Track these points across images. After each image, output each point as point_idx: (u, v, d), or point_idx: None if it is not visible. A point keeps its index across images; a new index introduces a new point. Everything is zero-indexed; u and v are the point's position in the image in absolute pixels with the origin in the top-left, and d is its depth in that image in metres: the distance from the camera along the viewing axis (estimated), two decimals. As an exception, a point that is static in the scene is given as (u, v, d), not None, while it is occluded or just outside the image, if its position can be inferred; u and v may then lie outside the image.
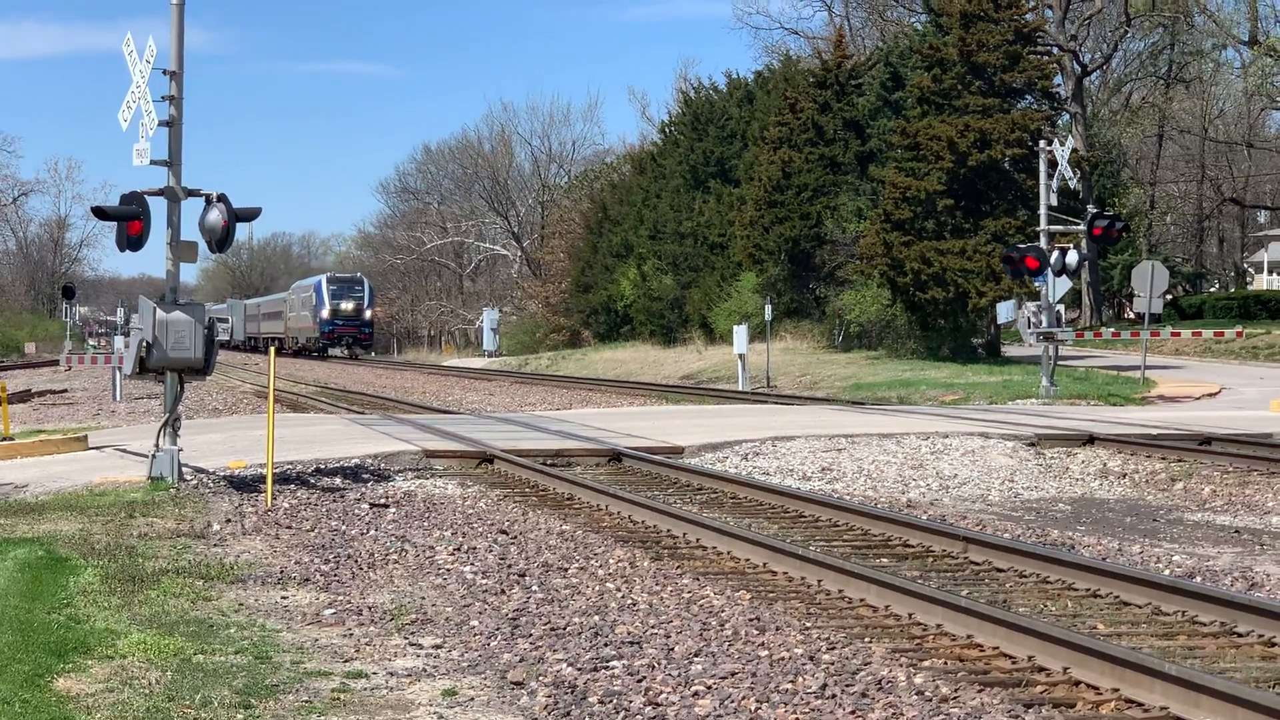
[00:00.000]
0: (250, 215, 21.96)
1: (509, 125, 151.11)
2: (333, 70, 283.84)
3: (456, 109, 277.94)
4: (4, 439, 28.41)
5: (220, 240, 21.70)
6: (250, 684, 10.53)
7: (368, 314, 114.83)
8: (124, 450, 26.42)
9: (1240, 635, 11.98)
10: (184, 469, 22.01)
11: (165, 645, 11.54)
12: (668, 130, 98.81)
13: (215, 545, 16.96)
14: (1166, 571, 15.33)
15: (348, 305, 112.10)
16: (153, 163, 21.48)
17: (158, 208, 21.63)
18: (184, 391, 22.36)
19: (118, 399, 47.38)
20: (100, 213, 22.72)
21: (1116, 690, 10.17)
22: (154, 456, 21.95)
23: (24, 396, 50.24)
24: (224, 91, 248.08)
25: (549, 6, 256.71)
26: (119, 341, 48.50)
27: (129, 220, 21.54)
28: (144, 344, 21.44)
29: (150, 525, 18.28)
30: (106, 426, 35.12)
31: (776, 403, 43.50)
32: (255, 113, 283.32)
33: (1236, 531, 18.71)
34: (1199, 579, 14.79)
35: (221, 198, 21.49)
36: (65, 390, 57.16)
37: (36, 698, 10.02)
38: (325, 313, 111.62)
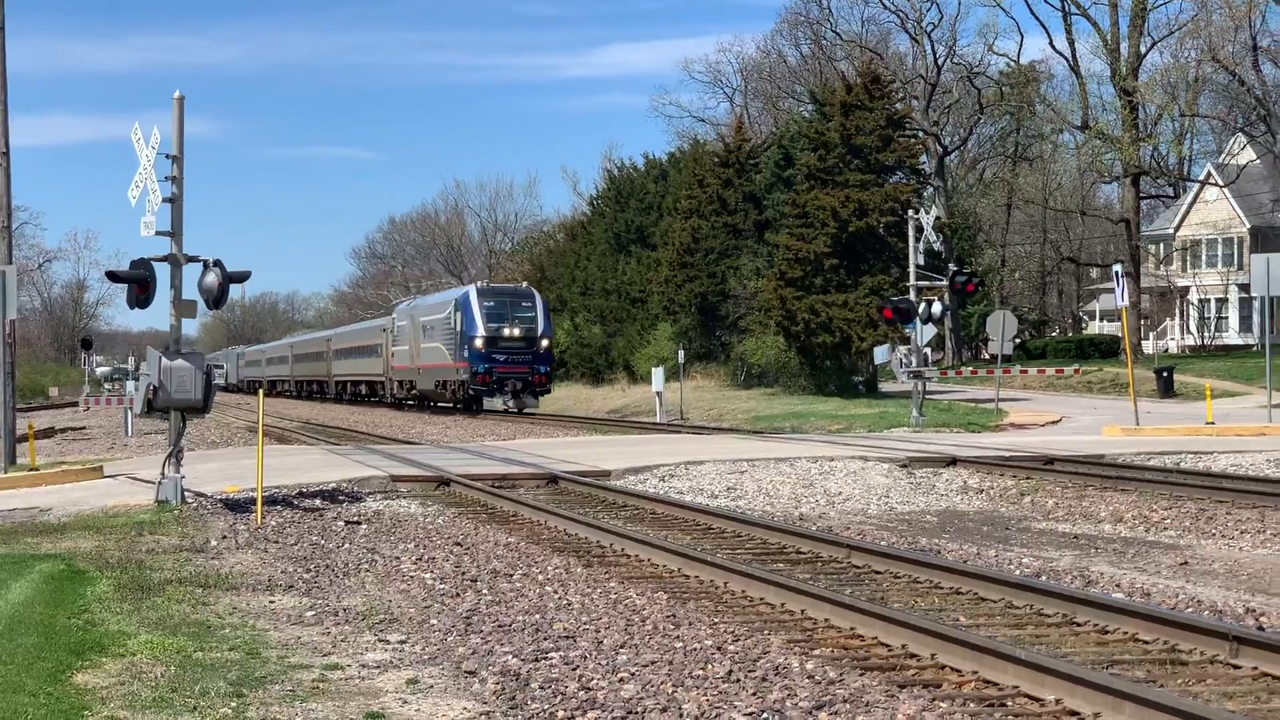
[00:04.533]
0: (242, 277, 21.91)
1: (461, 200, 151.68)
2: (313, 154, 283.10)
3: (417, 186, 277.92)
4: (31, 469, 28.12)
5: (216, 299, 21.66)
6: (242, 676, 10.45)
7: (544, 344, 63.28)
8: (134, 478, 26.19)
9: (1079, 624, 12.04)
10: (186, 493, 21.83)
11: (169, 644, 11.45)
12: (595, 203, 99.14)
13: (213, 558, 16.84)
14: (1017, 572, 15.40)
15: (514, 330, 61.39)
16: (158, 233, 21.39)
17: (162, 271, 21.56)
18: (186, 427, 22.22)
19: (129, 435, 47.01)
20: (113, 276, 22.62)
21: (976, 672, 10.21)
22: (160, 483, 21.78)
23: (48, 433, 49.76)
24: (222, 171, 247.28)
25: (495, 99, 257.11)
26: (129, 385, 48.10)
27: (138, 283, 21.46)
28: (151, 387, 21.33)
29: (157, 542, 18.14)
30: (119, 458, 34.82)
31: (689, 433, 43.52)
32: (248, 189, 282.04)
33: (1075, 537, 18.82)
34: (1044, 578, 14.87)
35: (217, 263, 21.44)
36: (84, 427, 56.68)
37: (58, 690, 9.93)
38: (478, 341, 60.89)
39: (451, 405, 66.52)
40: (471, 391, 62.12)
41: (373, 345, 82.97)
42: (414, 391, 71.93)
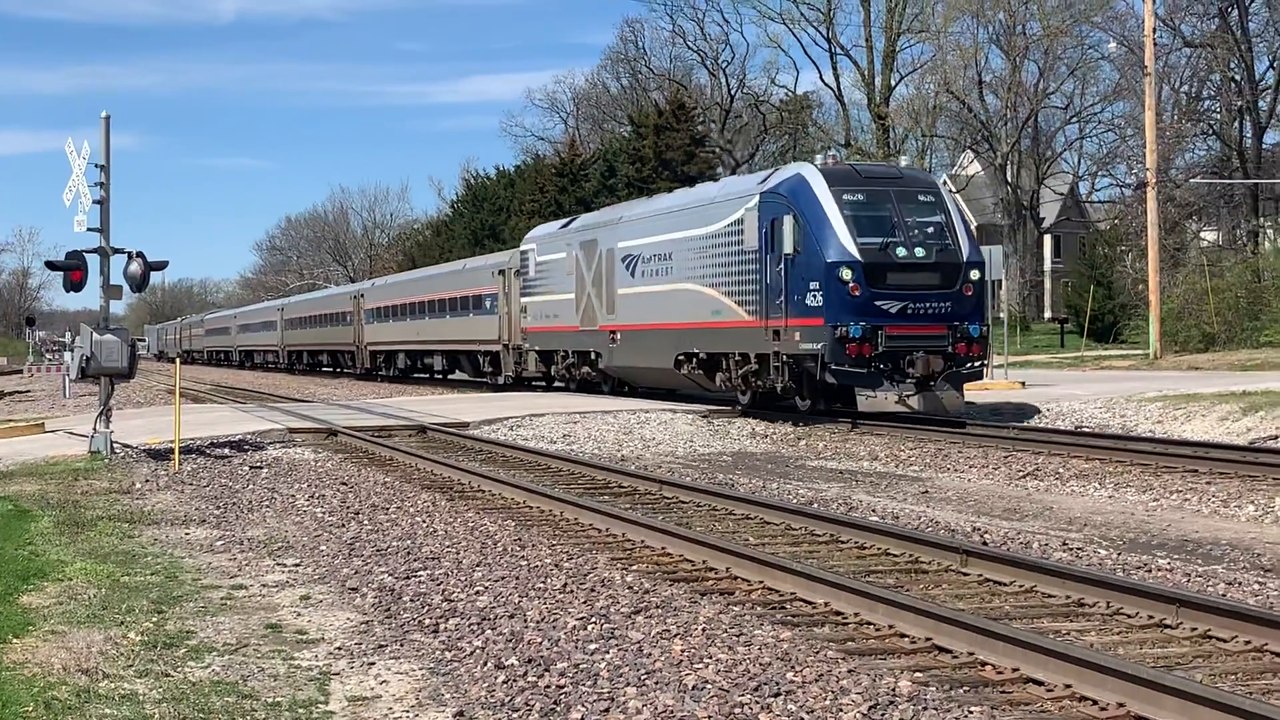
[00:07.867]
0: (160, 266, 21.42)
1: (346, 202, 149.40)
2: (222, 163, 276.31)
3: (309, 191, 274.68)
4: (-17, 426, 27.23)
5: (139, 284, 21.14)
6: (162, 595, 10.23)
7: (973, 277, 22.19)
8: (71, 433, 25.47)
9: (843, 542, 12.22)
10: (115, 445, 21.30)
11: (101, 570, 11.16)
12: (456, 206, 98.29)
13: (137, 498, 16.45)
14: (794, 500, 15.56)
15: (914, 250, 21.67)
16: (89, 230, 20.82)
17: (93, 261, 20.97)
18: (114, 390, 21.68)
19: (67, 397, 45.63)
20: (52, 265, 21.91)
21: (762, 581, 10.32)
22: (93, 436, 21.24)
23: (-2, 396, 48.19)
24: (144, 177, 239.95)
25: (376, 119, 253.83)
26: (66, 355, 46.71)
27: (72, 270, 20.85)
28: (85, 357, 20.79)
29: (90, 485, 17.67)
30: (58, 416, 33.80)
31: (531, 391, 43.36)
32: (167, 192, 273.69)
33: (840, 473, 19.09)
34: (815, 505, 15.04)
35: (140, 254, 20.91)
36: (28, 391, 54.94)
37: (7, 609, 9.63)
38: (844, 273, 21.53)
39: (713, 403, 28.79)
40: (830, 375, 23.37)
41: (470, 297, 43.68)
42: (582, 371, 33.65)
